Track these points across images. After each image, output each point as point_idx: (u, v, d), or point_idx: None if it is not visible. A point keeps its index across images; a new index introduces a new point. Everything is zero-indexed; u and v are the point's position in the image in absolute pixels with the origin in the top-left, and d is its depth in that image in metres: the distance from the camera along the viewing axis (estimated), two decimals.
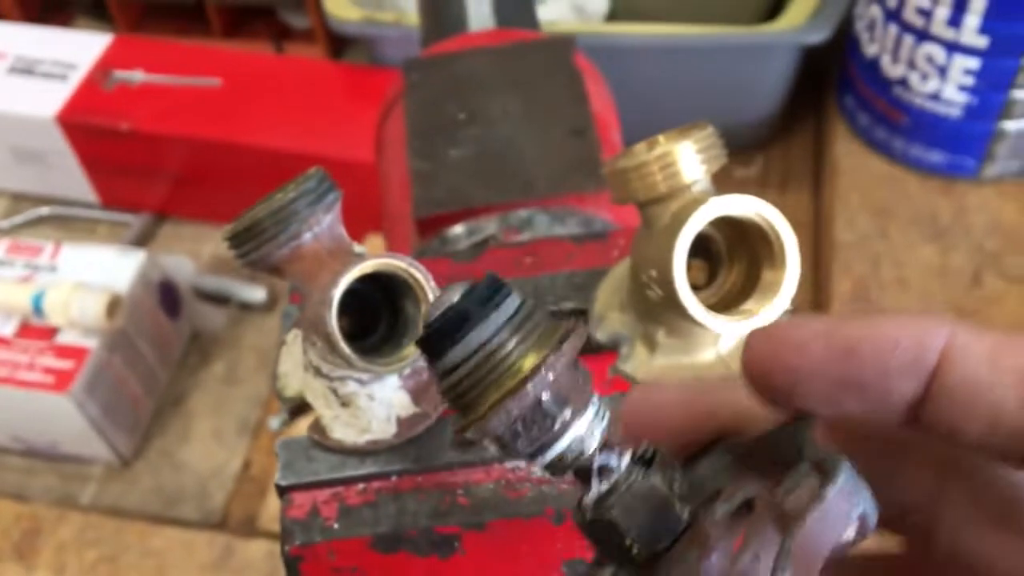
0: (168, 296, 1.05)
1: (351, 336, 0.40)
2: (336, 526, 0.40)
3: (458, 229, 0.61)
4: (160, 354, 1.04)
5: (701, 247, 0.41)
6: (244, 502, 0.96)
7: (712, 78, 1.07)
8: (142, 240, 1.19)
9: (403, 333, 0.40)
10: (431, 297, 0.38)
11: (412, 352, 0.38)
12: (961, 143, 0.97)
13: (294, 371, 0.43)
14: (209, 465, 1.00)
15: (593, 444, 0.24)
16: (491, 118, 0.66)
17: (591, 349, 0.43)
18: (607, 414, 0.25)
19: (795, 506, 0.21)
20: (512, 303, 0.23)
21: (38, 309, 0.93)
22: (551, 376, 0.23)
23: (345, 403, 0.41)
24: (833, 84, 1.13)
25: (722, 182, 0.39)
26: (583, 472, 0.25)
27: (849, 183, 1.02)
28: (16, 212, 1.24)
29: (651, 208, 0.38)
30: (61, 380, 0.92)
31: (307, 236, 0.37)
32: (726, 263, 0.40)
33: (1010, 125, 0.94)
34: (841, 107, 1.09)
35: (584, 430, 0.24)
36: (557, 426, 0.24)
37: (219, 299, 1.11)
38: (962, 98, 0.94)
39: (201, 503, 0.97)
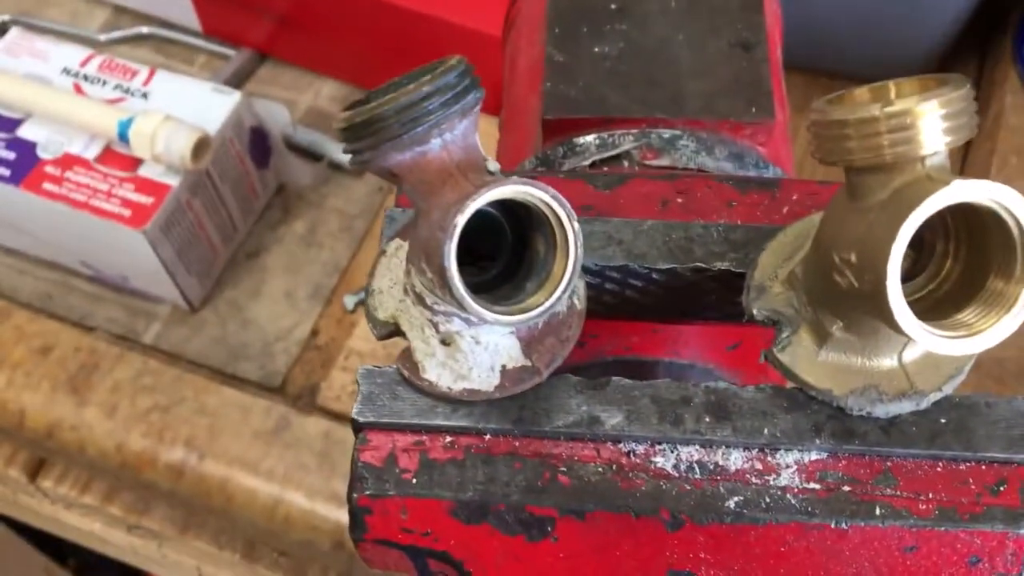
0: (258, 143, 0.99)
1: (465, 262, 0.34)
2: (415, 481, 0.34)
3: (589, 138, 0.53)
4: (242, 203, 0.99)
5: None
6: (306, 370, 0.92)
7: (880, 11, 0.96)
8: (239, 78, 1.13)
9: (527, 273, 0.33)
10: (572, 243, 0.31)
11: (538, 303, 0.32)
12: None
13: (391, 290, 0.36)
14: (276, 326, 0.96)
15: None
16: (647, 13, 0.57)
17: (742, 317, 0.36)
18: None
19: None
20: None
21: (123, 136, 0.88)
22: None
23: (446, 341, 0.35)
24: (1011, 28, 1.01)
25: None
26: None
27: (1012, 142, 0.92)
28: (117, 26, 1.19)
29: (865, 176, 0.30)
30: (138, 215, 0.87)
31: (436, 142, 0.30)
32: (940, 257, 0.32)
33: None
34: (1016, 55, 0.97)
35: None
36: None
37: (311, 155, 1.05)
38: None
39: (263, 363, 0.93)
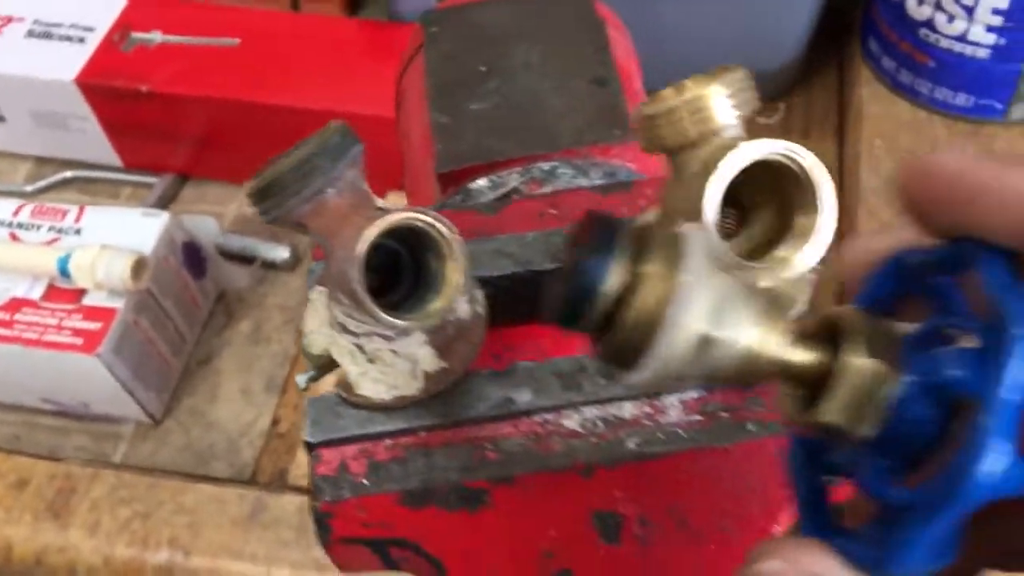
0: (193, 256, 1.05)
1: (376, 292, 0.40)
2: (365, 482, 0.40)
3: (481, 182, 0.60)
4: (186, 314, 1.04)
5: (731, 195, 0.40)
6: (273, 458, 0.96)
7: (734, 25, 1.06)
8: (165, 201, 1.20)
9: (427, 288, 0.40)
10: (457, 252, 0.38)
11: (438, 307, 0.38)
12: (988, 85, 0.95)
13: (320, 328, 0.43)
14: (238, 423, 1.01)
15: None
16: (512, 70, 0.65)
17: None
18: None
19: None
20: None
21: (64, 272, 0.94)
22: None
23: (372, 359, 0.41)
24: (857, 28, 1.11)
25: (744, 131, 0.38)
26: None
27: (874, 128, 1.01)
28: (41, 176, 1.25)
29: (680, 156, 0.37)
30: (90, 341, 0.92)
31: (330, 191, 0.37)
32: (758, 210, 0.39)
33: None
34: (865, 51, 1.07)
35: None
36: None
37: (244, 258, 1.11)
38: (990, 39, 0.92)
39: (231, 460, 0.98)
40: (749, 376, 0.23)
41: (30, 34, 1.19)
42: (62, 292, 0.96)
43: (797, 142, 1.20)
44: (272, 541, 0.85)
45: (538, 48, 0.65)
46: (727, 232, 0.40)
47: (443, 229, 0.38)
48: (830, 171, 1.09)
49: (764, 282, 0.37)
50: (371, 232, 0.36)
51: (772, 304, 0.23)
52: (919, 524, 0.20)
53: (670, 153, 0.38)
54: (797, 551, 0.22)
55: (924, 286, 0.24)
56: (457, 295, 0.38)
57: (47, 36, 1.19)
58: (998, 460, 0.19)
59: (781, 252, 0.37)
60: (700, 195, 0.35)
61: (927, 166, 0.24)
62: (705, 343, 0.22)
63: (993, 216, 0.22)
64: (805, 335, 0.24)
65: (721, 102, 0.36)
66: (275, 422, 1.00)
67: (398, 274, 0.41)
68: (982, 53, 0.94)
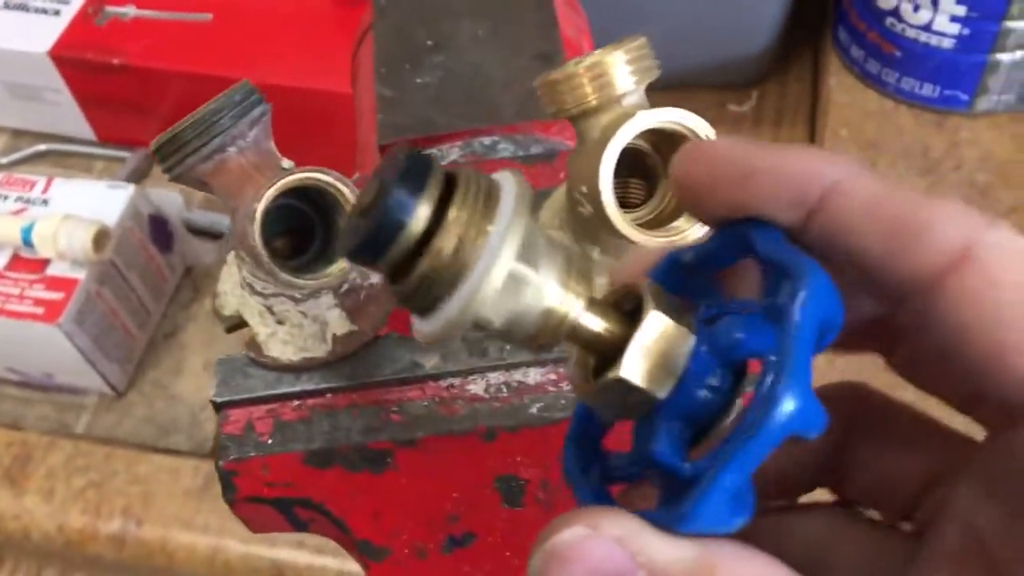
0: (159, 230, 1.05)
1: (288, 254, 0.41)
2: (270, 441, 0.41)
3: None
4: (152, 288, 1.05)
5: (639, 165, 0.40)
6: None
7: (707, 12, 1.06)
8: (137, 176, 1.20)
9: (335, 249, 0.40)
10: None
11: (339, 268, 0.38)
12: (953, 76, 0.95)
13: (232, 290, 0.43)
14: (201, 397, 1.01)
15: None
16: (459, 44, 0.65)
17: None
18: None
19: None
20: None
21: (27, 241, 0.94)
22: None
23: (280, 320, 0.41)
24: (829, 17, 1.11)
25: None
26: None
27: (841, 117, 1.01)
28: (16, 148, 1.25)
29: (583, 122, 0.38)
30: (51, 311, 0.93)
31: (231, 150, 0.37)
32: (660, 179, 0.39)
33: (1004, 57, 0.93)
34: (835, 40, 1.07)
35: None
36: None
37: (212, 234, 1.12)
38: (954, 29, 0.92)
39: (192, 433, 0.98)
40: (546, 335, 0.23)
41: (5, 5, 1.19)
42: (25, 262, 0.96)
43: (770, 129, 1.21)
44: (224, 512, 0.85)
45: (485, 23, 0.65)
46: (633, 202, 0.40)
47: (344, 189, 0.38)
48: None
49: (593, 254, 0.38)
50: (270, 191, 0.36)
51: (579, 268, 0.23)
52: (719, 473, 0.20)
53: (573, 120, 0.38)
54: (597, 516, 0.22)
55: (693, 284, 0.25)
56: None
57: (22, 8, 1.19)
58: (795, 398, 0.19)
59: (679, 223, 0.38)
60: (598, 161, 0.36)
61: (700, 150, 0.25)
62: (506, 295, 0.22)
63: (766, 192, 0.23)
64: (604, 304, 0.24)
65: (621, 68, 0.37)
66: None
67: (309, 237, 0.41)
68: (947, 43, 0.94)
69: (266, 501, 0.41)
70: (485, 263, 0.21)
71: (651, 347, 0.22)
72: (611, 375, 0.22)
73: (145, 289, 1.03)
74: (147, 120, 1.20)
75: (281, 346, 0.41)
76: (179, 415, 1.00)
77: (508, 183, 0.22)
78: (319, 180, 0.37)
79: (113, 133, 1.23)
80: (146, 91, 1.15)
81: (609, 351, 0.23)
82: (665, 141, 0.38)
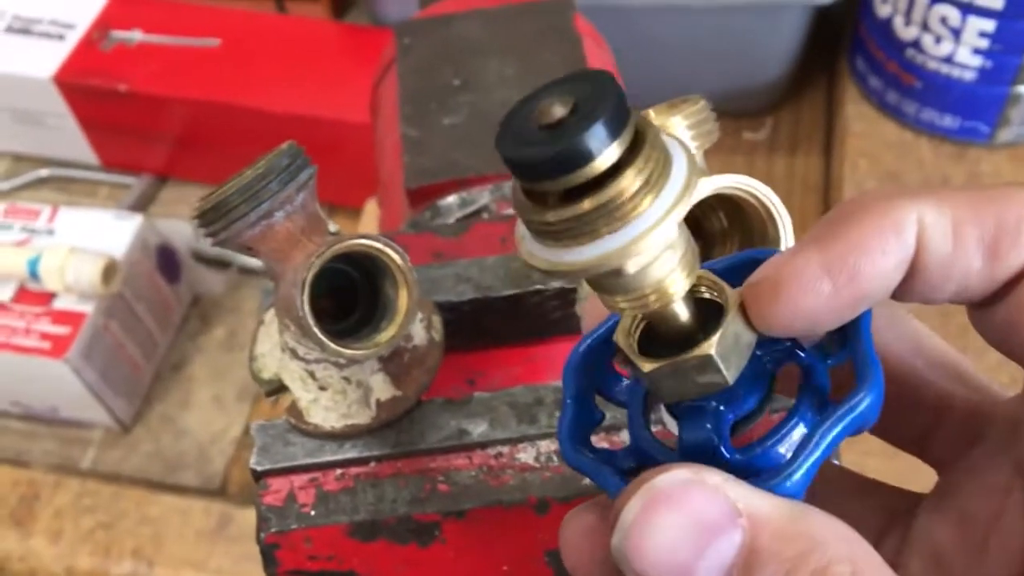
0: (167, 260, 1.04)
1: (331, 316, 0.39)
2: (313, 513, 0.39)
3: (450, 200, 0.59)
4: (159, 319, 1.03)
5: (695, 227, 0.39)
6: (244, 468, 0.95)
7: (721, 40, 1.05)
8: (143, 203, 1.18)
9: (382, 315, 0.38)
10: (409, 278, 0.37)
11: (388, 336, 0.37)
12: (974, 107, 0.94)
13: (271, 352, 0.41)
14: (209, 431, 1.00)
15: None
16: (486, 84, 0.64)
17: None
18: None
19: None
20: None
21: (34, 274, 0.93)
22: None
23: (323, 386, 0.40)
24: (845, 46, 1.10)
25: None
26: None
27: (859, 147, 1.00)
28: (18, 174, 1.23)
29: None
30: (58, 346, 0.91)
31: (279, 215, 0.36)
32: (719, 244, 0.38)
33: None
34: (852, 70, 1.07)
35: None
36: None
37: (220, 263, 1.10)
38: (976, 61, 0.91)
39: (201, 469, 0.97)
40: (639, 298, 0.24)
41: (9, 30, 1.18)
42: (32, 295, 0.94)
43: (785, 157, 1.20)
44: (238, 555, 0.83)
45: (513, 62, 0.64)
46: None
47: (394, 256, 0.36)
48: (815, 189, 1.09)
49: None
50: (320, 258, 0.35)
51: (693, 254, 0.25)
52: (825, 440, 0.24)
53: None
54: (694, 465, 0.23)
55: None
56: (408, 323, 0.37)
57: (26, 32, 1.18)
58: (872, 395, 0.24)
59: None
60: None
61: (790, 288, 0.25)
62: (658, 248, 0.23)
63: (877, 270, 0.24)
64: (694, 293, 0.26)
65: (681, 134, 0.35)
66: (247, 431, 0.98)
67: (353, 300, 0.40)
68: (969, 75, 0.93)
69: (309, 574, 0.39)
70: (666, 210, 0.22)
71: (733, 333, 0.25)
72: (698, 352, 0.24)
73: (153, 321, 1.02)
74: (153, 146, 1.19)
75: (324, 412, 0.40)
76: (187, 449, 0.99)
77: (680, 148, 0.23)
78: (370, 247, 0.36)
79: (117, 159, 1.21)
80: (152, 117, 1.14)
81: (675, 334, 0.25)
82: (720, 200, 0.37)
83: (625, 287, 0.24)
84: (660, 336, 0.26)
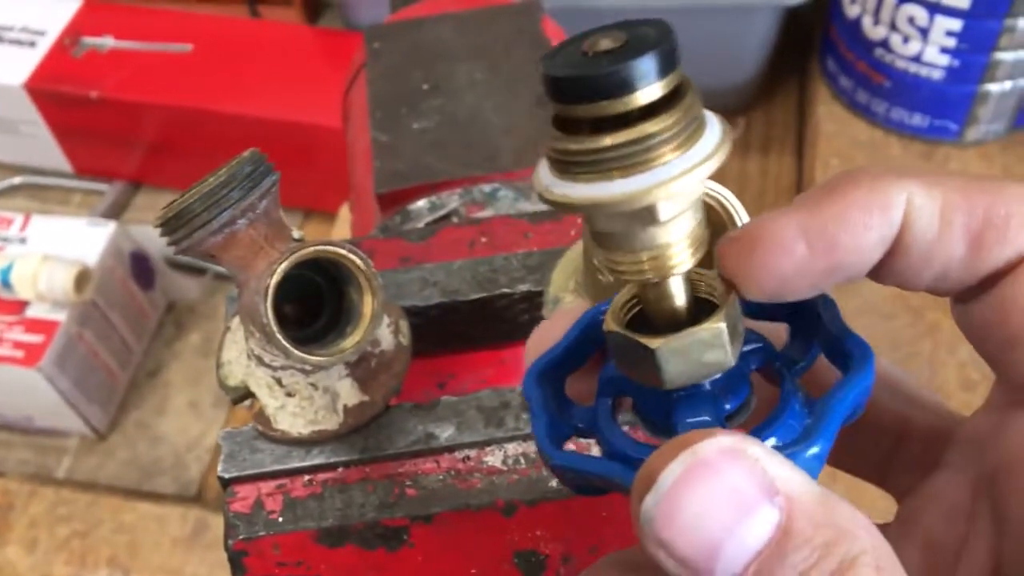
0: (140, 267, 1.03)
1: (297, 323, 0.39)
2: (281, 519, 0.39)
3: (420, 204, 0.59)
4: (134, 326, 1.03)
5: None
6: None
7: (693, 41, 1.05)
8: (116, 209, 1.18)
9: (347, 320, 0.39)
10: (373, 283, 0.37)
11: (353, 342, 0.37)
12: (943, 106, 0.95)
13: (238, 359, 0.41)
14: (186, 437, 0.99)
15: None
16: (455, 88, 0.64)
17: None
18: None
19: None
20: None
21: (6, 282, 0.92)
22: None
23: (290, 393, 0.40)
24: (816, 47, 1.11)
25: None
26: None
27: (830, 146, 1.01)
28: None
29: None
30: (31, 354, 0.91)
31: (241, 222, 0.36)
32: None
33: (993, 87, 0.93)
34: (823, 70, 1.07)
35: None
36: None
37: (194, 269, 1.10)
38: (944, 60, 0.92)
39: (177, 476, 0.96)
40: (654, 253, 0.24)
41: None
42: (3, 303, 0.94)
43: (757, 156, 1.21)
44: (213, 562, 0.83)
45: (483, 66, 0.64)
46: None
47: (358, 261, 0.36)
48: (789, 188, 1.09)
49: None
50: (282, 265, 0.35)
51: (702, 233, 0.25)
52: (837, 416, 0.24)
53: None
54: (740, 433, 0.22)
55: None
56: (373, 328, 0.37)
57: None
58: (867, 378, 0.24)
59: None
60: None
61: (765, 242, 0.25)
62: (689, 198, 0.23)
63: (857, 243, 0.24)
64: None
65: None
66: None
67: (319, 306, 0.40)
68: (937, 74, 0.94)
69: None
70: (693, 163, 0.22)
71: (732, 317, 0.24)
72: (708, 324, 0.24)
73: (127, 328, 1.01)
74: (126, 152, 1.18)
75: (291, 419, 0.40)
76: (163, 456, 0.98)
77: (716, 118, 0.23)
78: (333, 252, 0.36)
79: (90, 165, 1.21)
80: (125, 123, 1.13)
81: (667, 317, 0.25)
82: None
83: (631, 245, 0.24)
84: (649, 323, 0.25)
